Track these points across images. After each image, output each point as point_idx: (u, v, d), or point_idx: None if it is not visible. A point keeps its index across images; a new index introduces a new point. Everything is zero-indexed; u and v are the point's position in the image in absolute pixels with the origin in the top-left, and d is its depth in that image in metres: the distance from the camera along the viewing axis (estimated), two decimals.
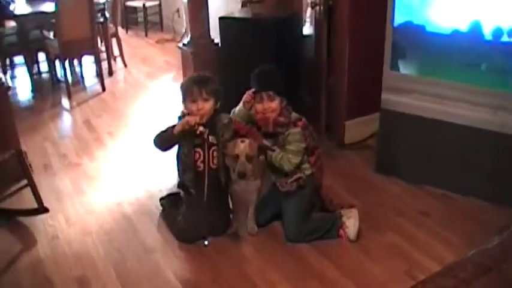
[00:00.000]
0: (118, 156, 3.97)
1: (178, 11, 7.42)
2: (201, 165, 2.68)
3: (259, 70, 2.86)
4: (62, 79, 5.48)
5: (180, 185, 2.80)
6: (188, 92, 2.63)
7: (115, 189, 3.45)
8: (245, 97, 2.84)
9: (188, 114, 2.67)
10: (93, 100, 5.23)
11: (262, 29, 3.75)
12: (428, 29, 2.97)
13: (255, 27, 3.81)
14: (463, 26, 2.84)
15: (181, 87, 2.72)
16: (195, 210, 2.75)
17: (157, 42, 7.34)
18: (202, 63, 3.97)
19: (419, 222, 2.97)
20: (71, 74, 5.86)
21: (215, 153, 2.69)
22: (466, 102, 2.98)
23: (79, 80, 5.82)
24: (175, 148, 2.76)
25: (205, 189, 2.71)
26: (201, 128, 2.60)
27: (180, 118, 2.70)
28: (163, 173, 3.55)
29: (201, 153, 2.66)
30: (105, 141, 4.24)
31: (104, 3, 5.68)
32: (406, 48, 3.12)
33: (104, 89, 5.42)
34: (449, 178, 3.21)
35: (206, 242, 2.81)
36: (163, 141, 2.67)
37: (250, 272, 2.61)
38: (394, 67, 3.16)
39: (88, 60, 5.90)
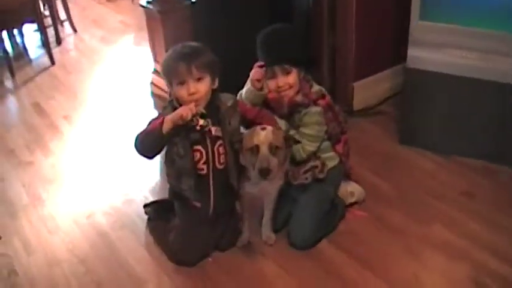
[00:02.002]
0: (80, 147, 3.23)
1: None
2: (204, 167, 2.01)
3: (267, 33, 2.17)
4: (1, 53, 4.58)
5: (174, 195, 2.12)
6: (173, 71, 1.92)
7: (82, 195, 2.74)
8: (253, 73, 2.15)
9: (177, 102, 1.96)
10: (41, 76, 4.39)
11: None
12: None
13: None
14: None
15: (163, 66, 2.00)
16: (197, 226, 2.09)
17: (108, 0, 6.41)
18: (173, 24, 3.22)
19: (465, 207, 2.43)
20: (12, 46, 4.96)
21: (221, 149, 2.02)
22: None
23: (22, 53, 4.93)
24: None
25: (212, 197, 2.06)
26: (201, 121, 1.90)
27: (163, 108, 2.01)
28: (142, 167, 2.83)
29: (203, 152, 1.98)
30: (61, 129, 3.47)
31: None
32: None
33: (52, 62, 4.57)
34: (489, 146, 2.66)
35: (210, 259, 2.18)
36: (150, 144, 1.95)
37: None
38: (425, 16, 2.50)
39: (30, 29, 5.00)
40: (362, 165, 2.71)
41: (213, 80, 1.96)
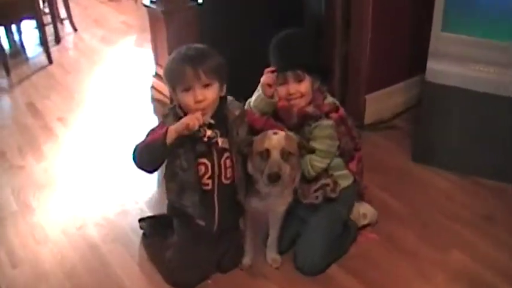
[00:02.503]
0: (74, 152, 3.05)
1: None
2: (209, 182, 1.83)
3: (280, 37, 2.02)
4: None
5: (173, 211, 1.94)
6: (177, 76, 1.74)
7: (74, 204, 2.56)
8: (264, 78, 1.98)
9: (181, 109, 1.78)
10: (37, 75, 4.21)
11: None
12: None
13: None
14: None
15: (166, 70, 1.82)
16: (198, 244, 1.92)
17: (110, 0, 6.25)
18: (177, 26, 3.05)
19: (483, 230, 2.27)
20: (9, 43, 4.78)
21: (228, 163, 1.84)
22: None
23: (19, 51, 4.75)
24: None
25: (216, 215, 1.88)
26: (208, 132, 1.73)
27: (164, 116, 1.83)
28: (139, 177, 2.64)
29: (208, 165, 1.81)
30: (55, 131, 3.30)
31: None
32: (466, 1, 2.30)
33: (50, 61, 4.40)
34: (510, 167, 2.49)
35: (209, 281, 2.00)
36: (151, 157, 1.76)
37: None
38: (448, 27, 2.34)
39: (29, 26, 4.83)
40: (373, 182, 2.52)
41: (221, 87, 1.79)
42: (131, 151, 1.78)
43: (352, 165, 2.15)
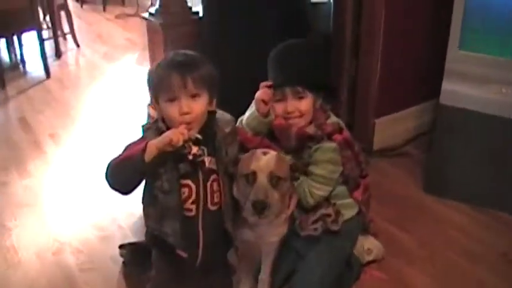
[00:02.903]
0: (61, 170, 2.86)
1: None
2: (193, 207, 1.58)
3: (280, 48, 1.82)
4: None
5: (152, 240, 1.69)
6: (162, 83, 1.52)
7: (53, 226, 2.36)
8: (259, 94, 1.77)
9: (164, 123, 1.58)
10: (34, 89, 4.06)
11: None
12: None
13: None
14: None
15: (150, 76, 1.61)
16: (179, 283, 1.68)
17: (117, 17, 6.16)
18: (176, 40, 2.87)
19: (504, 271, 2.03)
20: (9, 56, 4.66)
21: (215, 186, 1.59)
22: None
23: (18, 64, 4.61)
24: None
25: (201, 246, 1.62)
26: (194, 149, 1.51)
27: (144, 130, 1.62)
28: (126, 202, 2.41)
29: (193, 187, 1.56)
30: (44, 147, 3.11)
31: None
32: (486, 18, 2.11)
33: (48, 75, 4.26)
34: None
35: None
36: (126, 175, 1.52)
37: None
38: (466, 45, 2.14)
39: (32, 40, 4.69)
40: (380, 214, 2.30)
41: (210, 99, 1.58)
42: (104, 170, 1.55)
43: (358, 194, 1.93)
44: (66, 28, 5.11)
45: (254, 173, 1.54)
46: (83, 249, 2.20)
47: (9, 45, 4.71)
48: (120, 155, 1.53)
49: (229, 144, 1.60)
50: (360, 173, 1.93)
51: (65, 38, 5.12)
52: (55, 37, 4.68)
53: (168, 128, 1.54)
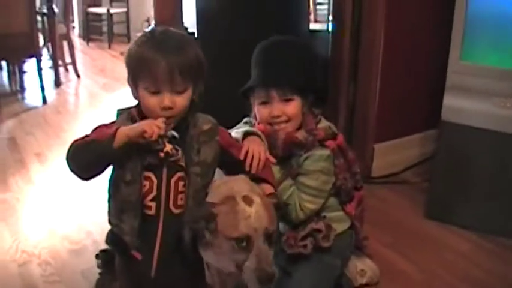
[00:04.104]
0: (40, 187, 2.72)
1: (148, 20, 6.28)
2: (152, 205, 1.38)
3: (266, 45, 1.70)
4: None
5: (110, 239, 1.49)
6: (146, 70, 1.34)
7: (24, 239, 2.19)
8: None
9: (138, 111, 1.43)
10: (27, 114, 4.00)
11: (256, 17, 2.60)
12: None
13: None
14: None
15: (130, 53, 1.39)
16: None
17: (121, 54, 6.16)
18: None
19: None
20: (9, 82, 4.63)
21: (180, 186, 1.39)
22: None
23: (17, 91, 4.57)
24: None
25: (156, 251, 1.39)
26: (168, 147, 1.35)
27: (119, 114, 1.47)
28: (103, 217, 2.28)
29: (154, 182, 1.37)
30: (29, 165, 2.99)
31: None
32: (487, 27, 2.01)
33: (44, 101, 4.20)
34: None
35: None
36: (89, 159, 1.35)
37: None
38: (467, 56, 2.03)
39: (33, 68, 4.67)
40: (380, 241, 2.14)
41: (194, 90, 1.43)
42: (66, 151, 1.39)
43: (351, 208, 1.75)
44: (68, 59, 5.09)
45: (248, 237, 1.26)
46: (52, 261, 2.02)
47: (10, 73, 4.70)
48: (86, 136, 1.38)
49: (203, 143, 1.40)
50: (355, 184, 1.77)
51: (66, 69, 5.11)
52: (55, 65, 4.66)
53: (142, 118, 1.39)
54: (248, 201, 1.29)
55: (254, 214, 1.27)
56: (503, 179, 2.10)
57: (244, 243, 1.26)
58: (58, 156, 3.11)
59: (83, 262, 2.02)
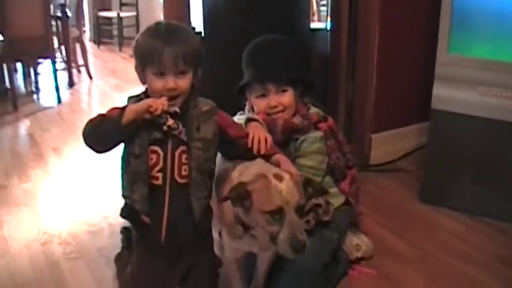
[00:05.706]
0: (59, 177, 2.90)
1: None
2: (159, 176, 1.54)
3: (259, 43, 1.84)
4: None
5: (124, 211, 1.62)
6: (151, 56, 1.51)
7: (45, 222, 2.37)
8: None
9: (146, 95, 1.60)
10: (43, 112, 4.18)
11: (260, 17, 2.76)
12: None
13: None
14: None
15: (138, 45, 1.57)
16: (146, 258, 1.64)
17: (131, 56, 6.34)
18: None
19: (499, 272, 1.99)
20: (24, 83, 4.83)
21: (183, 158, 1.55)
22: None
23: (33, 91, 4.76)
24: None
25: (165, 218, 1.54)
26: (170, 121, 1.54)
27: (129, 100, 1.64)
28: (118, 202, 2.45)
29: (161, 155, 1.54)
30: (47, 158, 3.17)
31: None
32: (473, 20, 2.16)
33: (59, 101, 4.38)
34: None
35: None
36: (103, 134, 1.52)
37: None
38: (455, 48, 2.18)
39: (47, 70, 4.87)
40: (378, 223, 2.29)
41: (194, 74, 1.61)
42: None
43: (345, 185, 1.91)
44: (80, 61, 5.28)
45: (281, 209, 1.36)
46: (71, 240, 2.20)
47: (25, 75, 4.89)
48: (98, 115, 1.55)
49: (202, 122, 1.56)
50: (346, 163, 1.93)
51: (79, 71, 5.29)
52: (69, 67, 4.84)
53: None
54: (279, 178, 1.39)
55: (285, 189, 1.37)
56: (490, 163, 2.24)
57: (277, 216, 1.35)
58: (73, 149, 3.29)
59: (100, 241, 2.19)
